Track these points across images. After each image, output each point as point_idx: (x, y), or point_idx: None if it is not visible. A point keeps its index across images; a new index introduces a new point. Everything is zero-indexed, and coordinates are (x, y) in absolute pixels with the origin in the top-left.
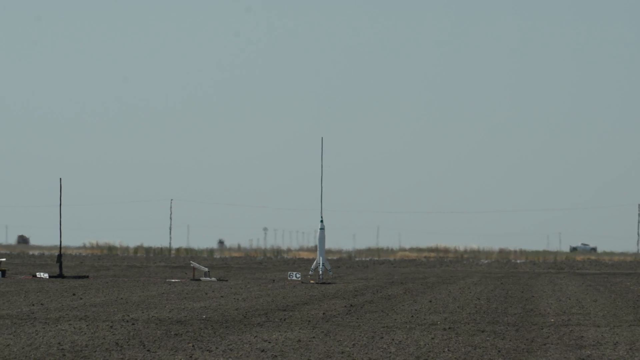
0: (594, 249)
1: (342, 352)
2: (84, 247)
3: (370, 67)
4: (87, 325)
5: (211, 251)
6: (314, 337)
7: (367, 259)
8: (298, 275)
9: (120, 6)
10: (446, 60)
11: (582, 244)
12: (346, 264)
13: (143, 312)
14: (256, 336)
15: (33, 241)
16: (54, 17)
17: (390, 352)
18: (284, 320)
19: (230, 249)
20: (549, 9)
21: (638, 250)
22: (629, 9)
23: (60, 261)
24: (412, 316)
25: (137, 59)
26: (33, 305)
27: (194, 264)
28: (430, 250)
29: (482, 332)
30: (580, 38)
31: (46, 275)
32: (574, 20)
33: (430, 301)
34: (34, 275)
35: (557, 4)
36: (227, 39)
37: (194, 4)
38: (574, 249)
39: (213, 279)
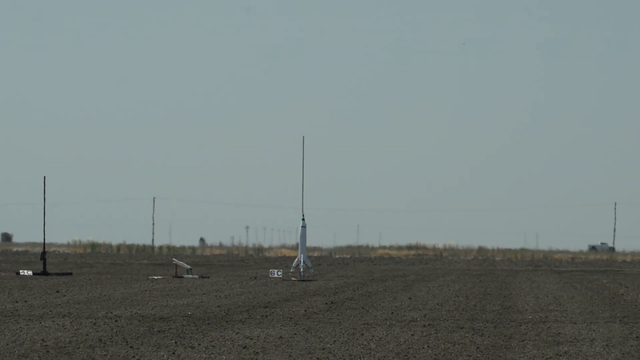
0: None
1: (323, 349)
2: (68, 245)
3: (355, 65)
4: (70, 322)
5: (193, 249)
6: (295, 334)
7: (348, 256)
8: (279, 273)
9: (120, 6)
10: (426, 59)
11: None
12: (327, 262)
13: (126, 309)
14: (238, 333)
15: (16, 238)
16: (54, 17)
17: (371, 349)
18: (266, 317)
19: (212, 247)
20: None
21: (614, 248)
22: None
23: (44, 258)
24: (392, 313)
25: (134, 57)
26: (17, 302)
27: (176, 261)
28: (410, 248)
29: (461, 328)
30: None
31: (30, 273)
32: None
33: (410, 298)
34: (18, 273)
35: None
36: (227, 38)
37: (194, 4)
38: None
39: (195, 276)
